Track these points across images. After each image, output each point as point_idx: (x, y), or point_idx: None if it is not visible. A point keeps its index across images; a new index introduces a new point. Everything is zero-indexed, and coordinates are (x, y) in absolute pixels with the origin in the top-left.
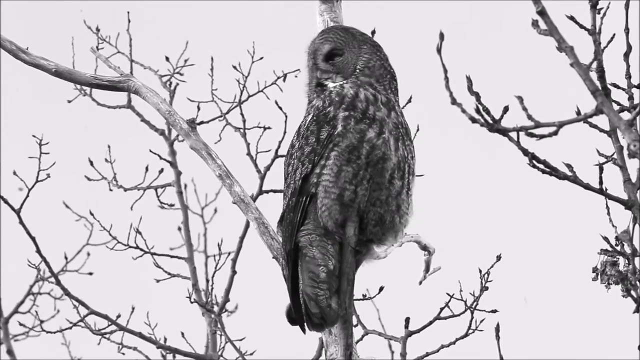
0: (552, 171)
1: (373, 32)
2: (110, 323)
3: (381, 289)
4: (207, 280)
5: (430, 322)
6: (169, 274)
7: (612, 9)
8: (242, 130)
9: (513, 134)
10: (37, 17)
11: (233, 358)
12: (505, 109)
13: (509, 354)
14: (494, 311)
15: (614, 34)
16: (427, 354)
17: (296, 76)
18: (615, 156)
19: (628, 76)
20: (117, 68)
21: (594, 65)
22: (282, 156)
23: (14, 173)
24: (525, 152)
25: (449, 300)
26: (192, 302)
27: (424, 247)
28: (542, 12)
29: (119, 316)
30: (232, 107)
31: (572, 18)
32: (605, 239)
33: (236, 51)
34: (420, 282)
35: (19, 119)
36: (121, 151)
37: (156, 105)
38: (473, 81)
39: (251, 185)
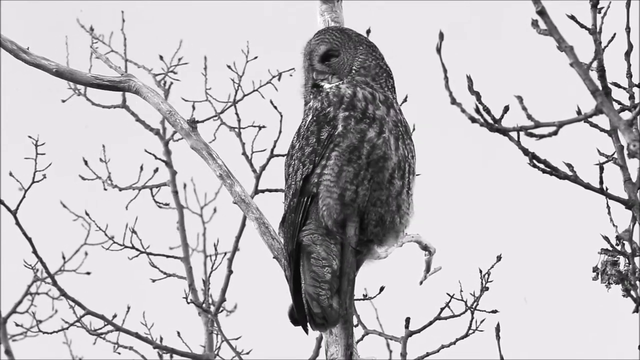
0: (553, 171)
1: (368, 32)
2: (106, 323)
3: (382, 289)
4: (204, 281)
5: (431, 322)
6: (165, 273)
7: (613, 8)
8: (237, 130)
9: (513, 134)
10: (37, 17)
11: (229, 357)
12: (506, 109)
13: (509, 354)
14: (494, 311)
15: (615, 34)
16: (428, 354)
17: (291, 75)
18: (615, 156)
19: (629, 75)
20: (118, 68)
21: (595, 64)
22: (277, 155)
23: (10, 174)
24: (525, 151)
25: (450, 301)
26: (188, 303)
27: (425, 247)
28: (542, 12)
29: (115, 316)
30: (227, 107)
31: (572, 17)
32: (606, 238)
33: (233, 51)
34: (421, 282)
35: (19, 119)
36: (116, 151)
37: (157, 105)
38: (473, 81)
39: (247, 184)
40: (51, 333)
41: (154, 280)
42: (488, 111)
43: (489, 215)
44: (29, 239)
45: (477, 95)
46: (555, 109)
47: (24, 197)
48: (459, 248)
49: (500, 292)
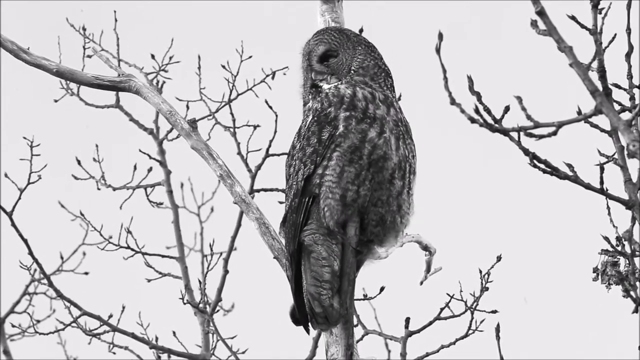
0: (553, 171)
1: (361, 31)
2: (102, 323)
3: (382, 289)
4: (200, 281)
5: (431, 323)
6: (160, 273)
7: (614, 9)
8: (232, 129)
9: (514, 134)
10: (37, 17)
11: (225, 356)
12: (506, 109)
13: (509, 354)
14: (494, 311)
15: (615, 34)
16: (427, 354)
17: (285, 74)
18: (616, 156)
19: (629, 77)
20: (118, 68)
21: (595, 65)
22: (272, 155)
23: (6, 175)
24: (526, 152)
25: (449, 301)
26: (185, 304)
27: (425, 248)
28: (541, 12)
29: (110, 316)
30: (221, 106)
31: (573, 18)
32: (606, 239)
33: (229, 50)
34: (421, 283)
35: (19, 119)
36: (110, 151)
37: (157, 105)
38: (473, 81)
39: (242, 184)
40: (47, 334)
41: (149, 280)
42: (489, 111)
43: (489, 216)
44: (25, 240)
45: (478, 96)
46: (555, 109)
47: (19, 198)
48: (459, 248)
49: (500, 293)
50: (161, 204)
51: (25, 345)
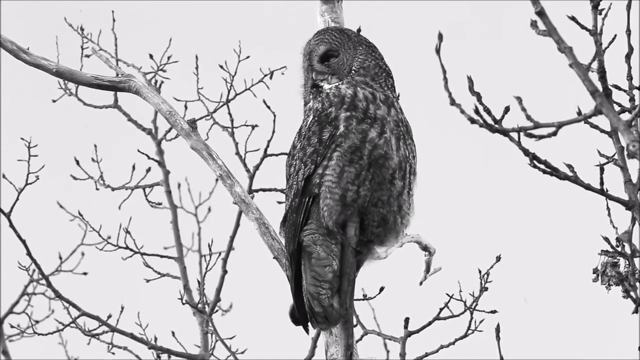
0: (553, 171)
1: (359, 30)
2: (101, 324)
3: (381, 289)
4: (199, 281)
5: (430, 323)
6: (159, 273)
7: (614, 9)
8: (230, 129)
9: (514, 135)
10: (37, 17)
11: (224, 357)
12: (506, 110)
13: (509, 354)
14: (494, 312)
15: (615, 35)
16: (427, 354)
17: (283, 74)
18: (616, 157)
19: (629, 78)
20: (118, 68)
21: (595, 66)
22: (271, 155)
23: (4, 176)
24: (526, 152)
25: (449, 301)
26: (183, 304)
27: (425, 248)
28: (541, 13)
29: (109, 317)
30: (219, 106)
31: (573, 18)
32: (606, 239)
33: (227, 50)
34: (421, 283)
35: (19, 119)
36: (109, 151)
37: (157, 105)
38: (473, 81)
39: (242, 184)
40: (46, 334)
41: (148, 281)
42: (489, 112)
43: (488, 216)
44: (23, 241)
45: (478, 96)
46: (556, 109)
47: (17, 199)
48: (459, 248)
49: (500, 293)
50: (160, 204)
51: (24, 346)
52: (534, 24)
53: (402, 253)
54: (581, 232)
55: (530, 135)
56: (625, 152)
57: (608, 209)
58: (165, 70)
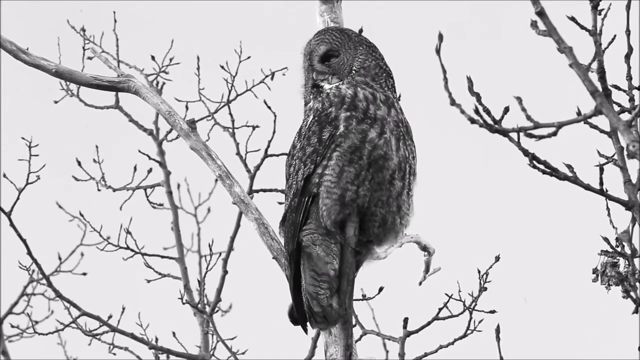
0: (553, 172)
1: (360, 31)
2: (101, 324)
3: (381, 289)
4: (199, 281)
5: (429, 323)
6: (160, 274)
7: (613, 10)
8: (231, 130)
9: (513, 135)
10: (37, 17)
11: (225, 357)
12: (506, 110)
13: (508, 354)
14: (493, 312)
15: (615, 35)
16: (426, 354)
17: (284, 74)
18: (615, 157)
19: (629, 78)
20: (117, 69)
21: (595, 66)
22: (271, 155)
23: (4, 176)
24: (525, 152)
25: (448, 301)
26: (184, 304)
27: (424, 248)
28: (541, 13)
29: (110, 317)
30: (220, 107)
31: (572, 19)
32: (606, 239)
33: (228, 51)
34: (420, 283)
35: (18, 119)
36: (110, 152)
37: (156, 105)
38: (473, 82)
39: (241, 185)
40: (46, 334)
41: (149, 281)
42: (488, 112)
43: (488, 216)
44: (24, 241)
45: (477, 97)
46: (555, 109)
47: (18, 198)
48: (458, 248)
49: (499, 293)
50: (161, 205)
51: (23, 347)
52: (534, 24)
53: (401, 253)
54: (581, 232)
55: (530, 136)
56: (625, 152)
57: (608, 209)
58: (168, 72)
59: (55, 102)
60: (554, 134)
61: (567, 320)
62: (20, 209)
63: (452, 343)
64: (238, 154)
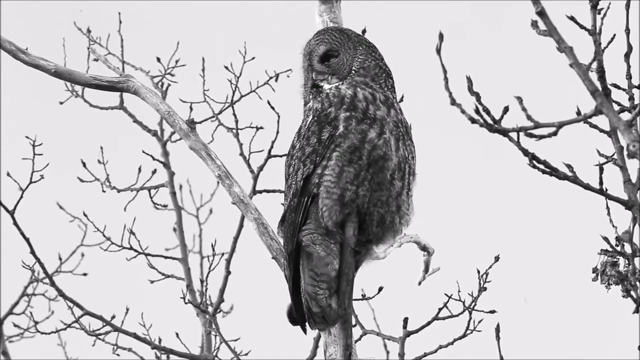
0: (552, 171)
1: (364, 32)
2: (104, 324)
3: (380, 289)
4: (202, 281)
5: (429, 323)
6: (163, 274)
7: (613, 9)
8: (234, 131)
9: (513, 135)
10: (37, 17)
11: (228, 358)
12: (506, 110)
13: (508, 354)
14: (492, 312)
15: (615, 35)
16: (425, 354)
17: (288, 76)
18: (615, 156)
19: (628, 77)
20: (117, 68)
21: (594, 65)
22: (275, 156)
23: (8, 174)
24: (525, 152)
25: (447, 301)
26: (186, 303)
27: (424, 248)
28: (542, 13)
29: (113, 317)
30: (225, 108)
31: (572, 18)
32: (606, 239)
33: (230, 51)
34: (420, 283)
35: (19, 119)
36: (114, 152)
37: (155, 105)
38: (473, 81)
39: (244, 185)
40: (49, 333)
41: (152, 281)
42: (488, 112)
43: (488, 216)
44: (27, 240)
45: (477, 96)
46: (555, 109)
47: (21, 197)
48: (458, 248)
49: (499, 293)
50: (165, 206)
51: (24, 347)
52: (534, 24)
53: (400, 253)
54: (581, 232)
55: (531, 135)
56: (625, 152)
57: (607, 208)
58: (174, 75)
59: (61, 103)
60: (554, 133)
61: (567, 320)
62: (21, 209)
63: (452, 343)
64: (242, 154)
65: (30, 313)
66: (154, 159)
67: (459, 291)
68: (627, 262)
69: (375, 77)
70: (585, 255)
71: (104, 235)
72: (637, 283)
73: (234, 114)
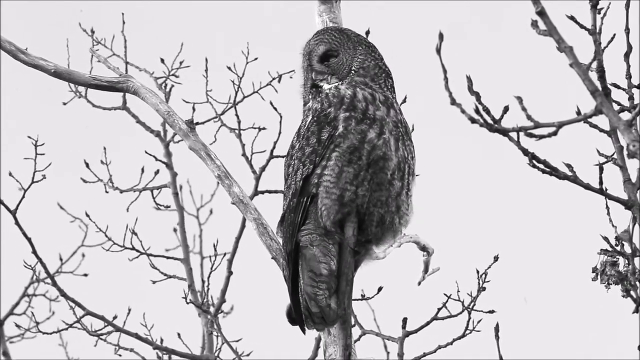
0: (552, 171)
1: (367, 33)
2: (106, 324)
3: (380, 289)
4: (203, 281)
5: (428, 323)
6: (165, 275)
7: (613, 9)
8: (237, 131)
9: (513, 134)
10: (37, 17)
11: (229, 359)
12: (505, 109)
13: (508, 354)
14: (492, 312)
15: (614, 34)
16: (425, 354)
17: (291, 77)
18: (615, 156)
19: (628, 76)
20: (116, 69)
21: (594, 65)
22: (277, 157)
23: (10, 174)
24: (525, 152)
25: (447, 301)
26: (187, 303)
27: (423, 248)
28: (542, 13)
29: (115, 317)
30: (227, 108)
31: (572, 18)
32: (605, 239)
33: (233, 52)
34: (419, 283)
35: (19, 119)
36: (117, 153)
37: (155, 105)
38: (473, 81)
39: (246, 186)
40: (51, 333)
41: (154, 282)
42: (488, 111)
43: (487, 216)
44: (29, 239)
45: (477, 96)
46: (555, 109)
47: (23, 197)
48: (457, 248)
49: (498, 293)
50: (168, 206)
51: (25, 348)
52: (534, 24)
53: (400, 253)
54: (581, 231)
55: (531, 135)
56: (626, 152)
57: (607, 208)
58: (178, 76)
59: (64, 103)
60: (554, 133)
61: (567, 320)
62: (23, 209)
63: (451, 343)
64: (244, 155)
65: (32, 313)
66: (156, 159)
67: (458, 291)
68: (626, 261)
69: (375, 77)
70: (585, 255)
71: (106, 236)
72: (637, 283)
73: (237, 115)
